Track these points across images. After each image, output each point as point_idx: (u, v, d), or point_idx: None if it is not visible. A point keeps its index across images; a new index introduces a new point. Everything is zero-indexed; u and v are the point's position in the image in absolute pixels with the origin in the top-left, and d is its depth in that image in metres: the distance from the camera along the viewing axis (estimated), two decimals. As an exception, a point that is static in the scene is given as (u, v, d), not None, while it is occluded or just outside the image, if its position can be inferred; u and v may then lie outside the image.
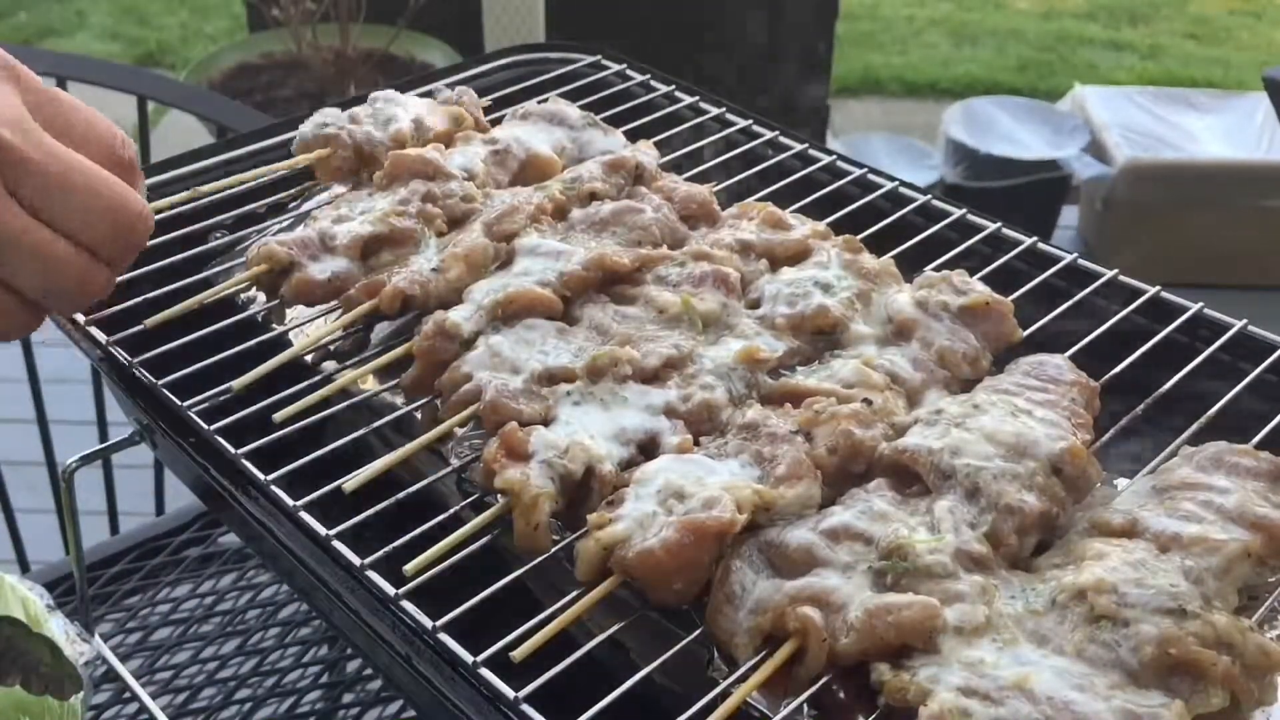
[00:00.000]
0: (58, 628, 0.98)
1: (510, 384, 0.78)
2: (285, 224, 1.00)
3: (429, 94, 1.12)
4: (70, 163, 0.68)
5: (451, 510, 0.73)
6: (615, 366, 0.78)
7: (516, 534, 0.70)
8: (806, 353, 0.84)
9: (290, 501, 0.73)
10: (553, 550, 0.71)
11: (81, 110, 0.71)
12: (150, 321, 0.86)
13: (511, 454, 0.72)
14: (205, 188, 1.00)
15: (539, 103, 1.09)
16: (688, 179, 1.03)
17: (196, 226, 0.99)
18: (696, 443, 0.76)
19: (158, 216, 0.97)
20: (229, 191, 1.01)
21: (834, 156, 1.11)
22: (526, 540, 0.70)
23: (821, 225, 0.95)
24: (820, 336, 0.84)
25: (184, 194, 0.99)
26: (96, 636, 1.00)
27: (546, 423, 0.76)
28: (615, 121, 1.13)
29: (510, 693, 0.62)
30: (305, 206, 1.03)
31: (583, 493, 0.73)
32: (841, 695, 0.64)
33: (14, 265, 0.67)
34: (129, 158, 0.73)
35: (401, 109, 1.06)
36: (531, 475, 0.70)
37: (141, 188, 0.75)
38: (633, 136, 1.10)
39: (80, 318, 0.88)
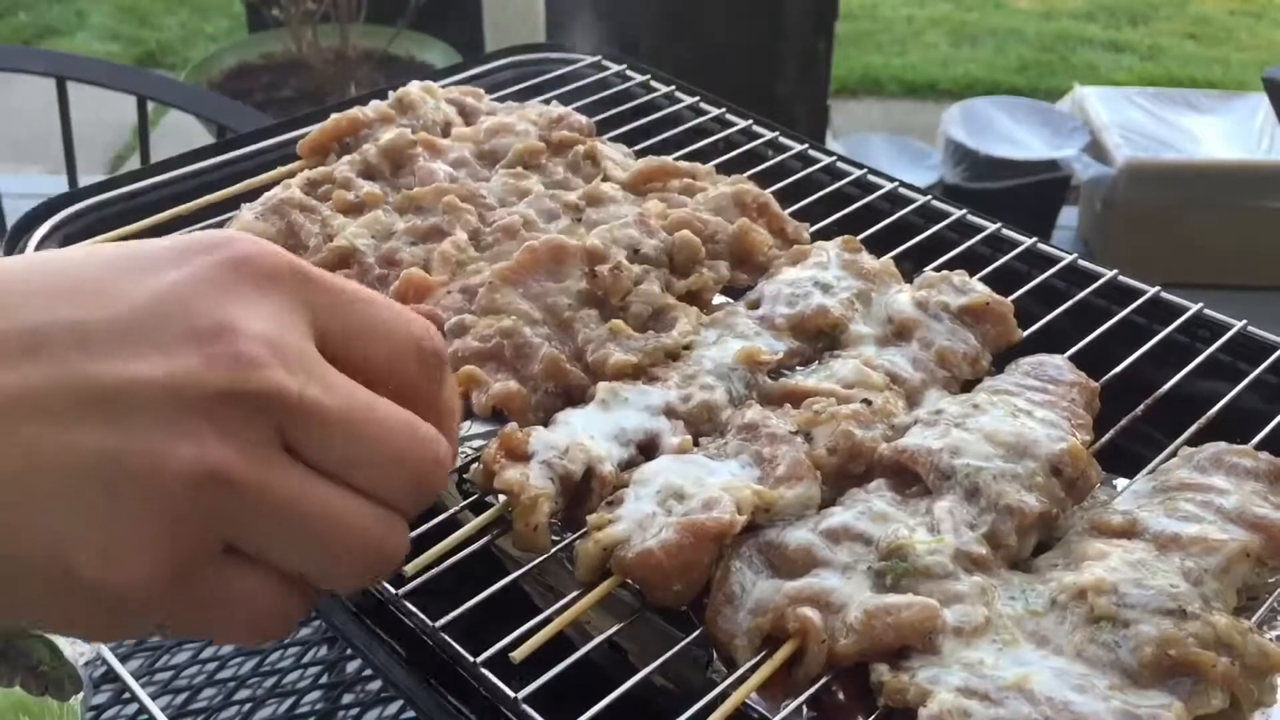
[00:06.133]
0: (58, 628, 0.98)
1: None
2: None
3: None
4: (362, 403, 0.51)
5: (451, 511, 0.73)
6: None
7: (515, 534, 0.70)
8: (806, 353, 0.84)
9: (290, 502, 0.73)
10: (553, 551, 0.71)
11: (381, 311, 0.54)
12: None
13: (511, 454, 0.72)
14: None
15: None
16: (688, 179, 1.03)
17: (196, 227, 0.99)
18: (696, 443, 0.76)
19: (160, 218, 0.98)
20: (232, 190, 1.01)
21: (834, 157, 1.11)
22: (526, 541, 0.70)
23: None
24: (821, 337, 0.84)
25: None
26: (96, 637, 1.00)
27: (546, 423, 0.76)
28: (615, 122, 1.13)
29: (510, 693, 0.62)
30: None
31: (583, 493, 0.73)
32: (841, 696, 0.64)
33: (285, 541, 0.50)
34: (433, 362, 0.55)
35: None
36: (531, 475, 0.70)
37: (450, 389, 0.57)
38: (633, 137, 1.10)
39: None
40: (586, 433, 0.74)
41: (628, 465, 0.74)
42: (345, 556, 0.51)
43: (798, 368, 0.83)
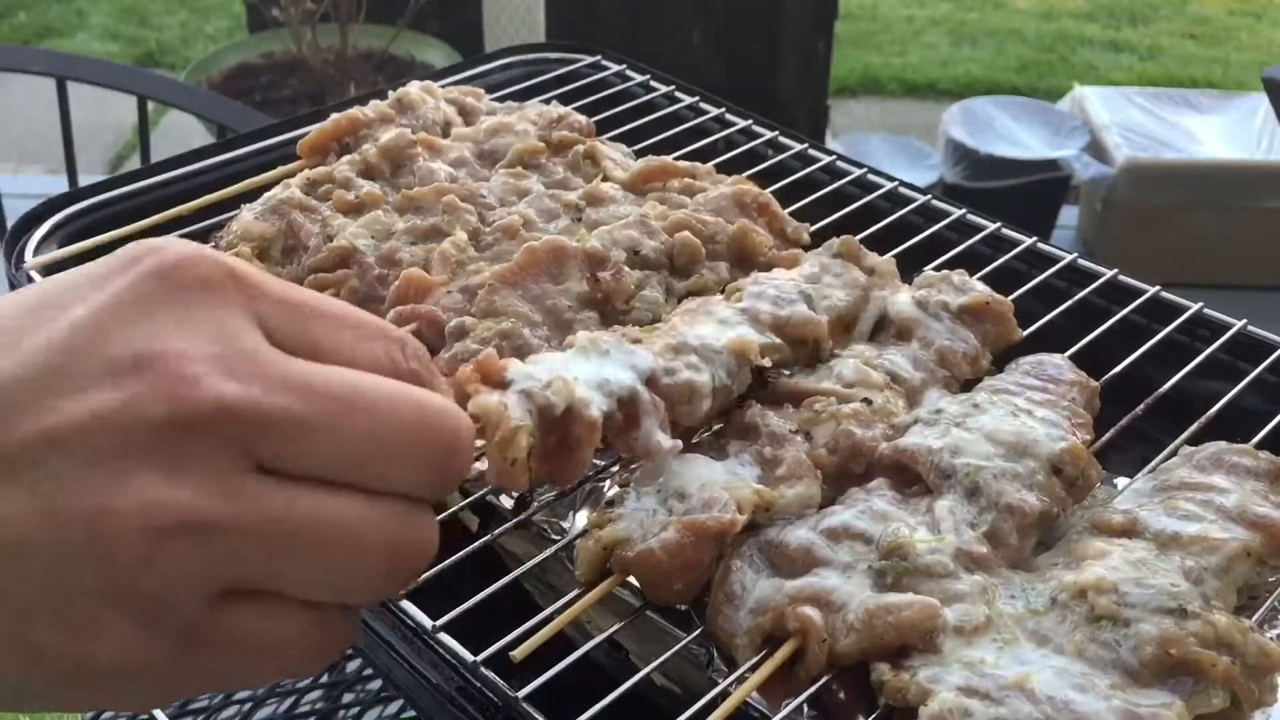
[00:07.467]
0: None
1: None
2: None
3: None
4: (347, 393, 0.44)
5: (452, 510, 0.73)
6: None
7: (494, 472, 0.63)
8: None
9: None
10: (553, 550, 0.71)
11: (345, 316, 0.48)
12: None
13: (487, 380, 0.65)
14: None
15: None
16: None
17: (196, 227, 0.99)
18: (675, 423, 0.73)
19: (160, 218, 0.98)
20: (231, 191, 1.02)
21: (834, 156, 1.11)
22: (505, 477, 0.63)
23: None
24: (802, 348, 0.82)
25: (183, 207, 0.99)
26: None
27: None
28: (615, 121, 1.13)
29: (511, 692, 0.62)
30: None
31: (564, 442, 0.67)
32: (842, 695, 0.64)
33: (285, 566, 0.44)
34: (413, 368, 0.49)
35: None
36: (510, 405, 0.64)
37: (440, 389, 0.50)
38: (633, 137, 1.10)
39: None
40: (570, 373, 0.68)
41: (608, 420, 0.68)
42: (358, 564, 0.45)
43: (797, 368, 0.83)
